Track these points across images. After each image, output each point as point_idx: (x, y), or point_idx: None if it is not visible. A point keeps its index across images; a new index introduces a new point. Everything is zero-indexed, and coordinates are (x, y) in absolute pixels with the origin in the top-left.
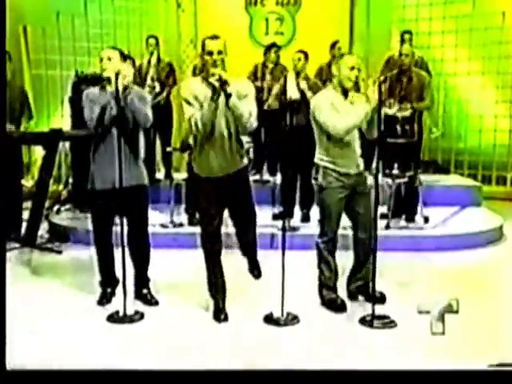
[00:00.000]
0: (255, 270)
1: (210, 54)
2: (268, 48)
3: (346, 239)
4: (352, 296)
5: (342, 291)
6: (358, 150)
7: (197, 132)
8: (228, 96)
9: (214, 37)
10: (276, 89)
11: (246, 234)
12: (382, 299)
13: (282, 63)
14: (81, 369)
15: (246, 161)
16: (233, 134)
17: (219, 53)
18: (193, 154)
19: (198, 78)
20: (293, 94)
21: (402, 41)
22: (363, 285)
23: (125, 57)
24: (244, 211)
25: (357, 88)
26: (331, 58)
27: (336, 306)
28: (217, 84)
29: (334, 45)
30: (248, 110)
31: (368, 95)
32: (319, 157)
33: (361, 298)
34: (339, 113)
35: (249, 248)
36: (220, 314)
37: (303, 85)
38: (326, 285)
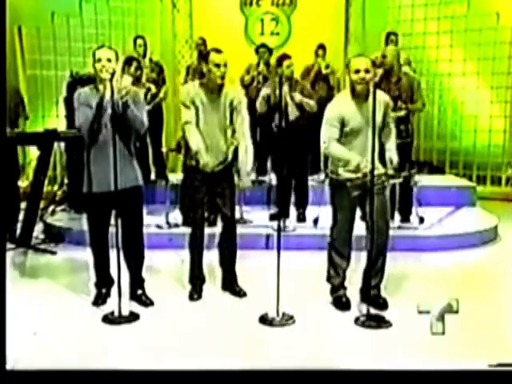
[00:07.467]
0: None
1: (218, 66)
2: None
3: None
4: (373, 304)
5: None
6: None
7: None
8: None
9: (219, 51)
10: (264, 92)
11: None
12: (384, 305)
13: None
14: (77, 369)
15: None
16: None
17: (225, 65)
18: None
19: (196, 82)
20: (291, 114)
21: (387, 42)
22: (377, 295)
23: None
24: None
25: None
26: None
27: (340, 304)
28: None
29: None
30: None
31: None
32: None
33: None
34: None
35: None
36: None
37: (298, 97)
38: (332, 284)
